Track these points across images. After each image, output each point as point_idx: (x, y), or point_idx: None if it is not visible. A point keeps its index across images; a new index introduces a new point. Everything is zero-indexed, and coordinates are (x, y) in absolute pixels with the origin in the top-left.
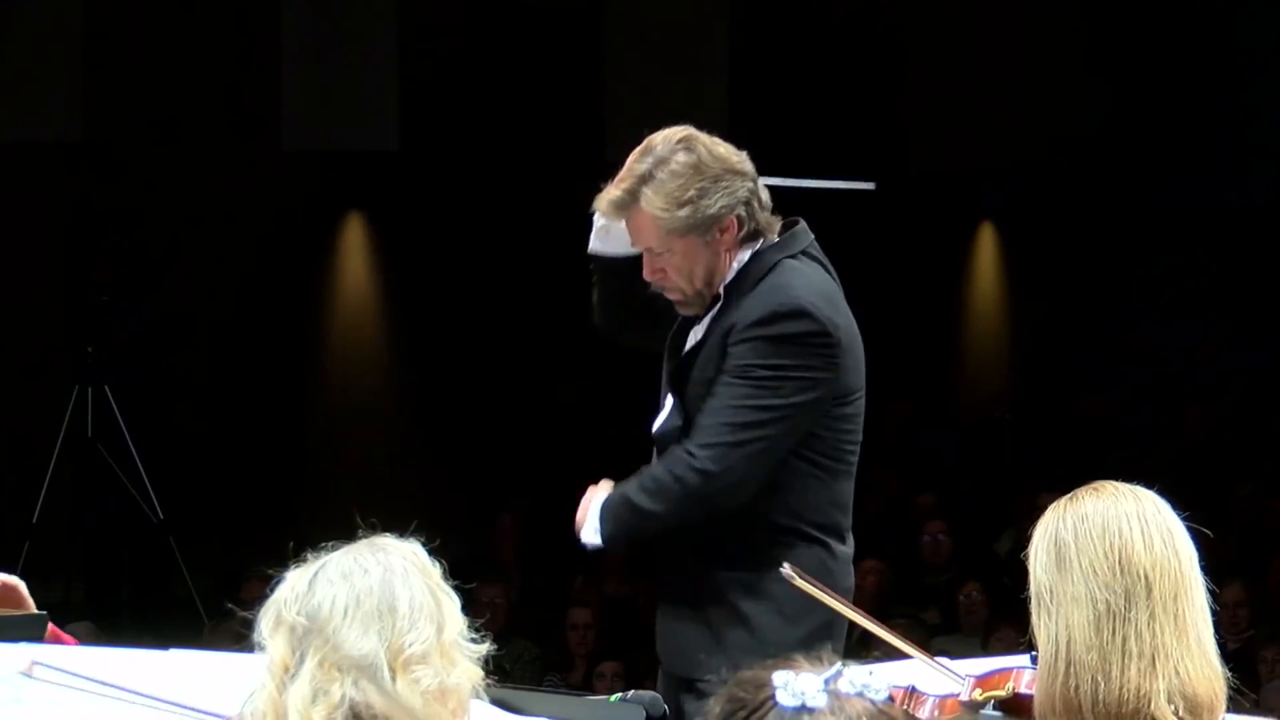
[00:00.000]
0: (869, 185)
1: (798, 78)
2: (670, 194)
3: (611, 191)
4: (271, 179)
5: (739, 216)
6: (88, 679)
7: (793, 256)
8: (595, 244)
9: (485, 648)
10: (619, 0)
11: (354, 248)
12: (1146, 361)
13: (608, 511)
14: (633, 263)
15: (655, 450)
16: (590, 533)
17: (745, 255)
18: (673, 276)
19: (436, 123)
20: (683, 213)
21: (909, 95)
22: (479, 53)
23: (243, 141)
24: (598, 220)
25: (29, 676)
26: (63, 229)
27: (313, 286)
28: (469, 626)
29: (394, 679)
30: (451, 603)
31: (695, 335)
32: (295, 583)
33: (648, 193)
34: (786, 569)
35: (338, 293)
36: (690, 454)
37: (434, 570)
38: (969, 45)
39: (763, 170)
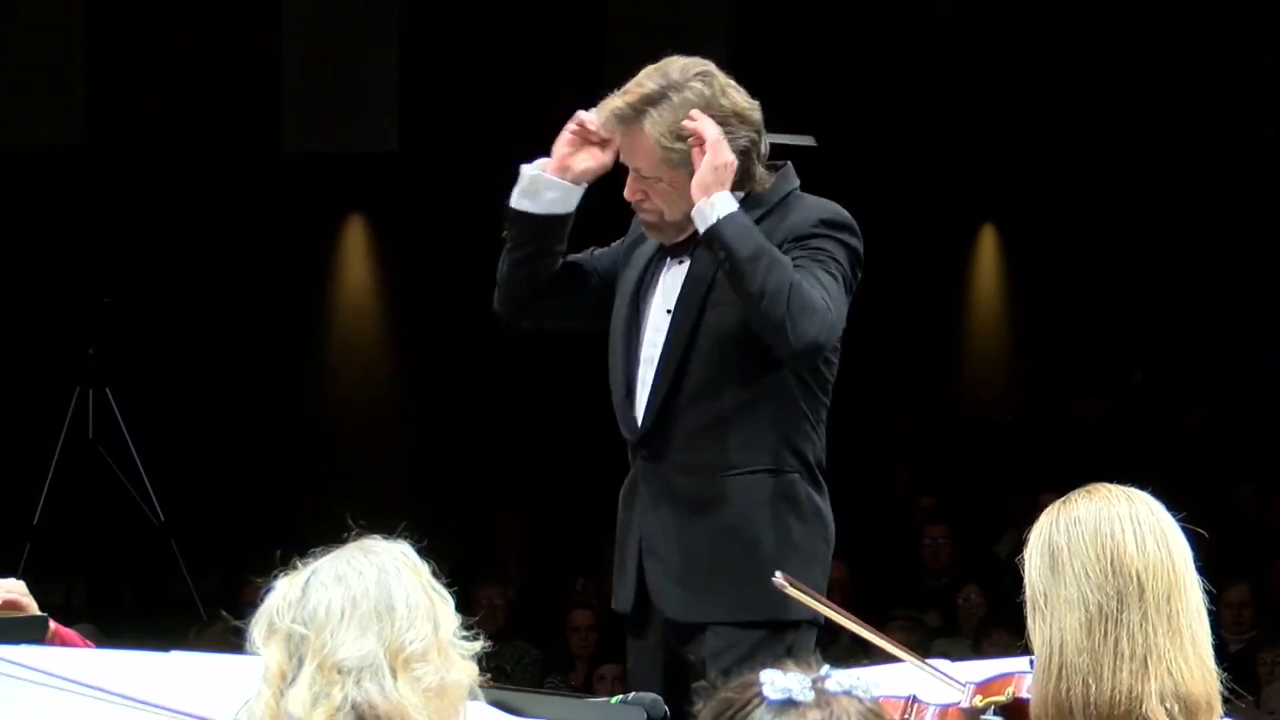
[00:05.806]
0: (809, 141)
1: (798, 78)
2: (674, 124)
3: (615, 101)
4: (272, 180)
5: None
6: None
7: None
8: (522, 201)
9: (479, 645)
10: (621, 1)
11: (355, 249)
12: (1147, 362)
13: (749, 233)
14: (555, 223)
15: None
16: (724, 202)
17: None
18: (655, 201)
19: (436, 124)
20: (681, 145)
21: (909, 96)
22: (480, 54)
23: (243, 143)
24: (527, 172)
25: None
26: (63, 230)
27: (313, 288)
28: (462, 625)
29: (395, 678)
30: (445, 602)
31: (690, 275)
32: (287, 591)
33: (653, 114)
34: (779, 578)
35: (338, 294)
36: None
37: (424, 569)
38: (969, 46)
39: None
